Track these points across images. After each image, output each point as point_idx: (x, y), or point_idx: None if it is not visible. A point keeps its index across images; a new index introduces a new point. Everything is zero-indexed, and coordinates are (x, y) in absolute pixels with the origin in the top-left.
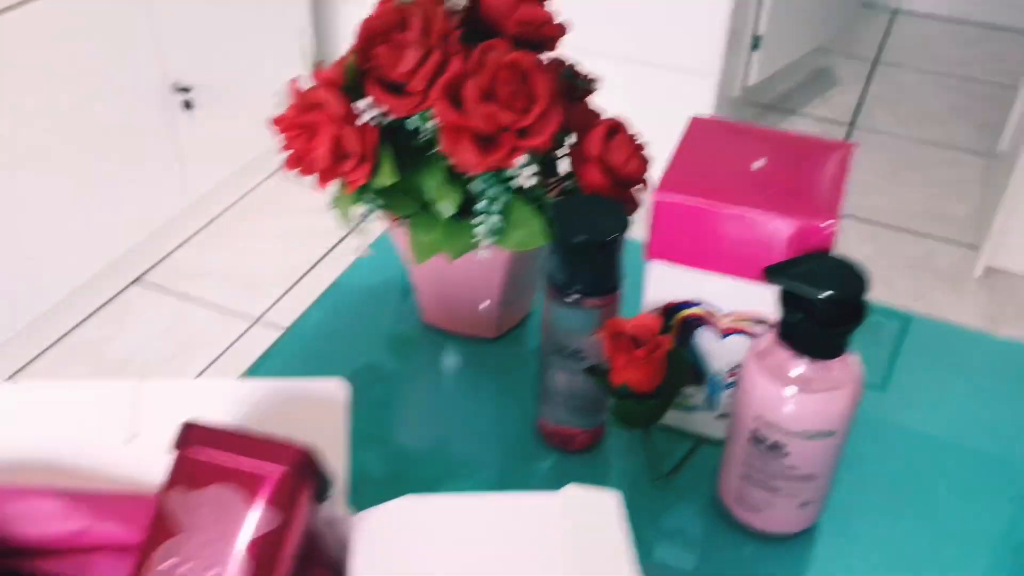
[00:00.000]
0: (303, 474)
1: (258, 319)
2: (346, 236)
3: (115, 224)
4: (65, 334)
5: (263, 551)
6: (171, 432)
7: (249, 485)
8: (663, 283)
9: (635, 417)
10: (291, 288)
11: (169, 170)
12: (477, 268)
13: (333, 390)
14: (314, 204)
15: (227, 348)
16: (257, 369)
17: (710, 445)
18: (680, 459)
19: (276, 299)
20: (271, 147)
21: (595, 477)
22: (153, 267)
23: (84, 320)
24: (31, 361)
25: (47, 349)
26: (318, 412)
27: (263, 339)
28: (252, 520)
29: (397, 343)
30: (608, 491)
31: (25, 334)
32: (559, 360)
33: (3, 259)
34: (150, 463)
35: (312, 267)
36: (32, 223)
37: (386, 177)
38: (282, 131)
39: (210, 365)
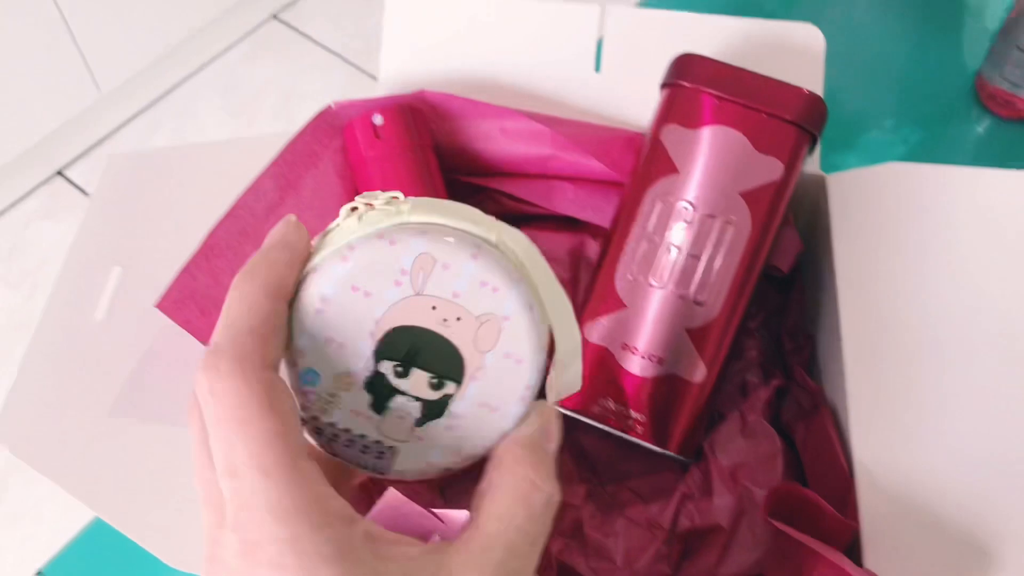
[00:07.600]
0: (809, 124)
1: None
2: None
3: None
4: None
5: (764, 201)
6: (641, 65)
7: (755, 129)
8: None
9: None
10: None
11: None
12: None
13: (810, 36)
14: None
15: None
16: None
17: None
18: None
19: None
20: None
21: None
22: None
23: None
24: None
25: None
26: (794, 57)
27: None
28: (756, 167)
29: None
30: None
31: None
32: None
33: None
34: (619, 95)
35: None
36: None
37: None
38: None
39: None
